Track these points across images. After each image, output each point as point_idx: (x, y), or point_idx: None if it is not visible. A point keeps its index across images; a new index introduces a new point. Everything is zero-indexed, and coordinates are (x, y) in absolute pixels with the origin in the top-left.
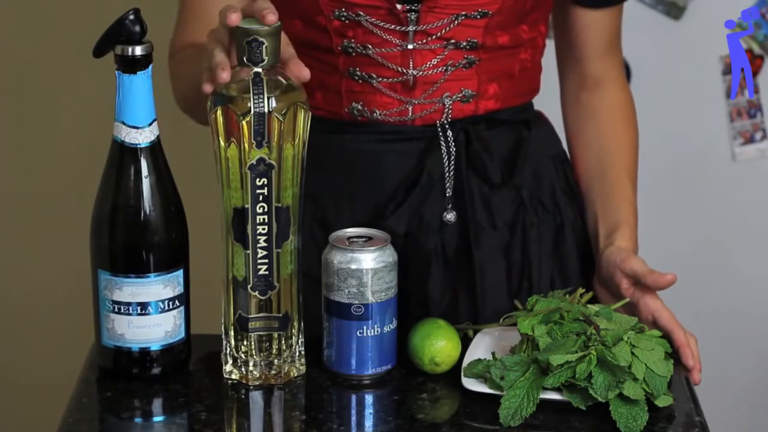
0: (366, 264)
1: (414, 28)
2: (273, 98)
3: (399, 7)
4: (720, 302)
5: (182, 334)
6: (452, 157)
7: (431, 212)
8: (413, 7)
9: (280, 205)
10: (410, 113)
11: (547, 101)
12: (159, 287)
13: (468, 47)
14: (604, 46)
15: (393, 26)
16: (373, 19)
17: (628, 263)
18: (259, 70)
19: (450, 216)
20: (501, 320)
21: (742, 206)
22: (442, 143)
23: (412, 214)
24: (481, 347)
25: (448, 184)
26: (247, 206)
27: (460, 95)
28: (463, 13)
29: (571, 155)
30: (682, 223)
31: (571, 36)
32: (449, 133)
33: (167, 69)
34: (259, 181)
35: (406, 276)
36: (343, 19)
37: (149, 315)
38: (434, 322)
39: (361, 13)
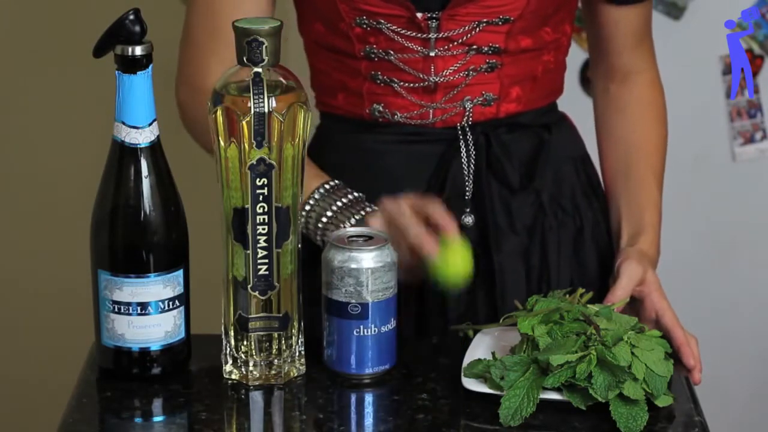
0: (363, 263)
1: (435, 35)
2: (273, 98)
3: (420, 15)
4: (720, 302)
5: (182, 334)
6: (472, 161)
7: (450, 215)
8: (434, 15)
9: (280, 205)
10: (431, 116)
11: (572, 101)
12: (159, 287)
13: (490, 52)
14: (632, 39)
15: (414, 34)
16: (394, 27)
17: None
18: (259, 70)
19: (468, 219)
20: (501, 320)
21: (742, 206)
22: (462, 146)
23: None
24: (481, 347)
25: (467, 187)
26: (247, 206)
27: (481, 99)
28: (485, 20)
29: (599, 148)
30: (682, 223)
31: (598, 30)
32: (470, 136)
33: (178, 96)
34: (259, 181)
35: (423, 279)
36: (365, 26)
37: (149, 315)
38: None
39: (382, 21)
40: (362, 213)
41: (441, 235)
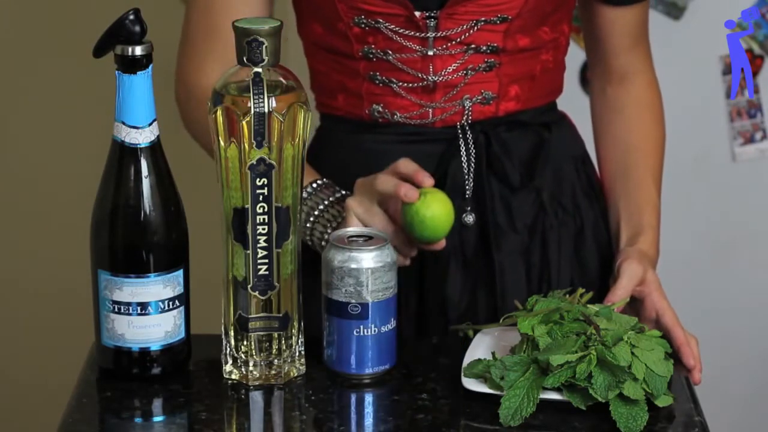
0: (363, 263)
1: (433, 34)
2: (273, 98)
3: (418, 14)
4: (720, 302)
5: (182, 334)
6: (472, 159)
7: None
8: (432, 14)
9: (280, 205)
10: (430, 116)
11: (572, 101)
12: (159, 287)
13: (488, 51)
14: (628, 40)
15: (412, 33)
16: (392, 26)
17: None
18: (259, 70)
19: (469, 218)
20: (501, 320)
21: (742, 206)
22: (462, 145)
23: None
24: (481, 347)
25: (467, 186)
26: (247, 206)
27: (480, 97)
28: (483, 18)
29: (597, 150)
30: (682, 223)
31: (595, 31)
32: (469, 135)
33: (177, 93)
34: (259, 181)
35: (423, 277)
36: (363, 26)
37: (149, 315)
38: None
39: (380, 21)
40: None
41: (418, 187)
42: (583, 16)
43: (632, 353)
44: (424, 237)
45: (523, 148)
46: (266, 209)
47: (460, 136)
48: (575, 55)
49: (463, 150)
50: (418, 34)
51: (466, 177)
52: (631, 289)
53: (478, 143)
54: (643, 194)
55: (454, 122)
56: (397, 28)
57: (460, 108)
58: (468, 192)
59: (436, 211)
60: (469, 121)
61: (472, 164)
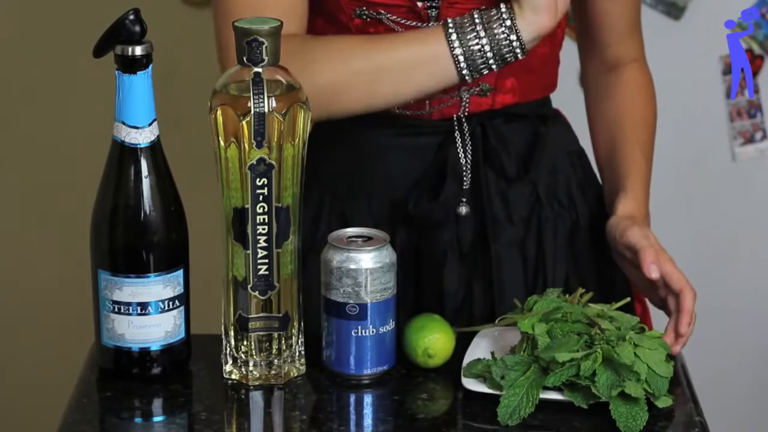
0: (362, 264)
1: (435, 24)
2: (273, 98)
3: (420, 4)
4: (720, 302)
5: (182, 334)
6: (469, 151)
7: (447, 206)
8: (434, 4)
9: (280, 205)
10: (427, 107)
11: (571, 100)
12: (159, 287)
13: None
14: (622, 31)
15: (414, 23)
16: (394, 17)
17: (626, 236)
18: (259, 70)
19: (463, 209)
20: (497, 321)
21: (742, 206)
22: (459, 137)
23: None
24: (481, 347)
25: (465, 178)
26: (247, 206)
27: (477, 89)
28: (483, 7)
29: (591, 137)
30: (682, 223)
31: (588, 22)
32: (466, 127)
33: None
34: (259, 181)
35: (421, 270)
36: (365, 17)
37: (149, 315)
38: (429, 315)
39: (382, 12)
40: (507, 17)
41: (425, 320)
42: (576, 9)
43: (634, 353)
44: (419, 363)
45: (519, 140)
46: (266, 209)
47: (457, 128)
48: (575, 54)
49: (459, 142)
50: (420, 24)
51: (463, 169)
52: (655, 247)
53: (475, 135)
54: (626, 160)
55: (451, 114)
56: (399, 19)
57: (457, 100)
58: (465, 184)
59: (439, 352)
60: (466, 113)
61: (469, 156)
